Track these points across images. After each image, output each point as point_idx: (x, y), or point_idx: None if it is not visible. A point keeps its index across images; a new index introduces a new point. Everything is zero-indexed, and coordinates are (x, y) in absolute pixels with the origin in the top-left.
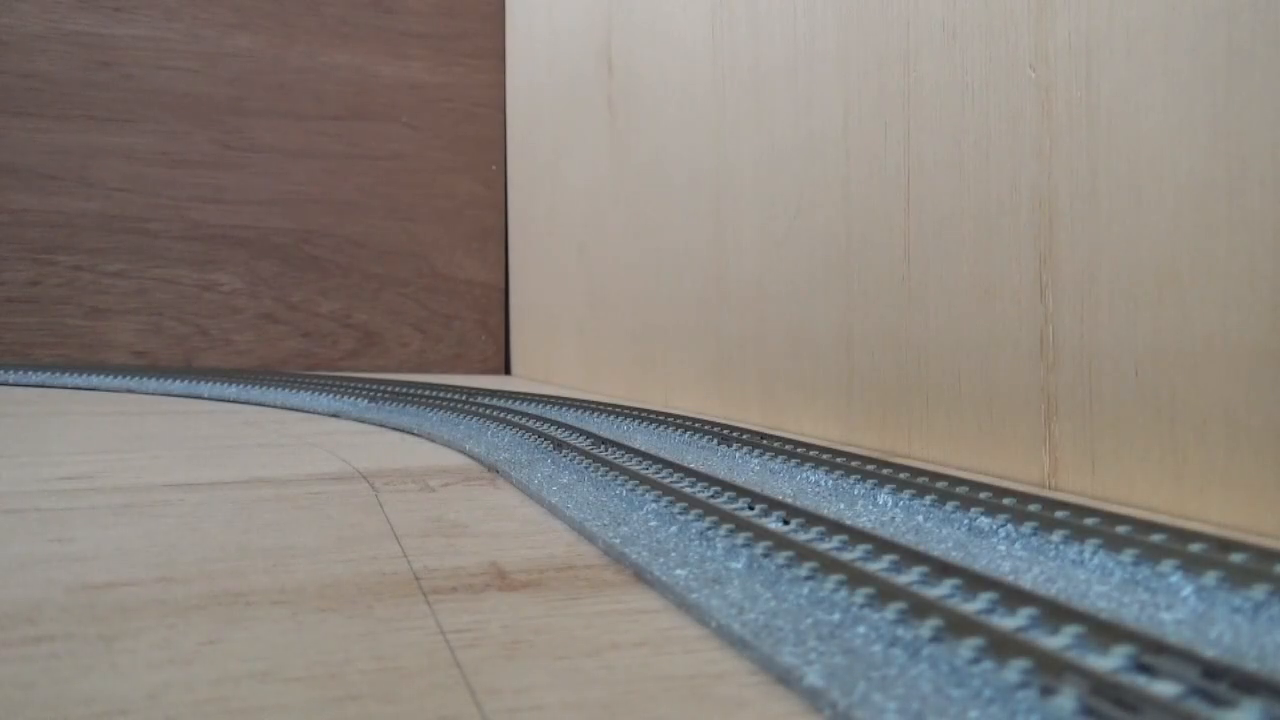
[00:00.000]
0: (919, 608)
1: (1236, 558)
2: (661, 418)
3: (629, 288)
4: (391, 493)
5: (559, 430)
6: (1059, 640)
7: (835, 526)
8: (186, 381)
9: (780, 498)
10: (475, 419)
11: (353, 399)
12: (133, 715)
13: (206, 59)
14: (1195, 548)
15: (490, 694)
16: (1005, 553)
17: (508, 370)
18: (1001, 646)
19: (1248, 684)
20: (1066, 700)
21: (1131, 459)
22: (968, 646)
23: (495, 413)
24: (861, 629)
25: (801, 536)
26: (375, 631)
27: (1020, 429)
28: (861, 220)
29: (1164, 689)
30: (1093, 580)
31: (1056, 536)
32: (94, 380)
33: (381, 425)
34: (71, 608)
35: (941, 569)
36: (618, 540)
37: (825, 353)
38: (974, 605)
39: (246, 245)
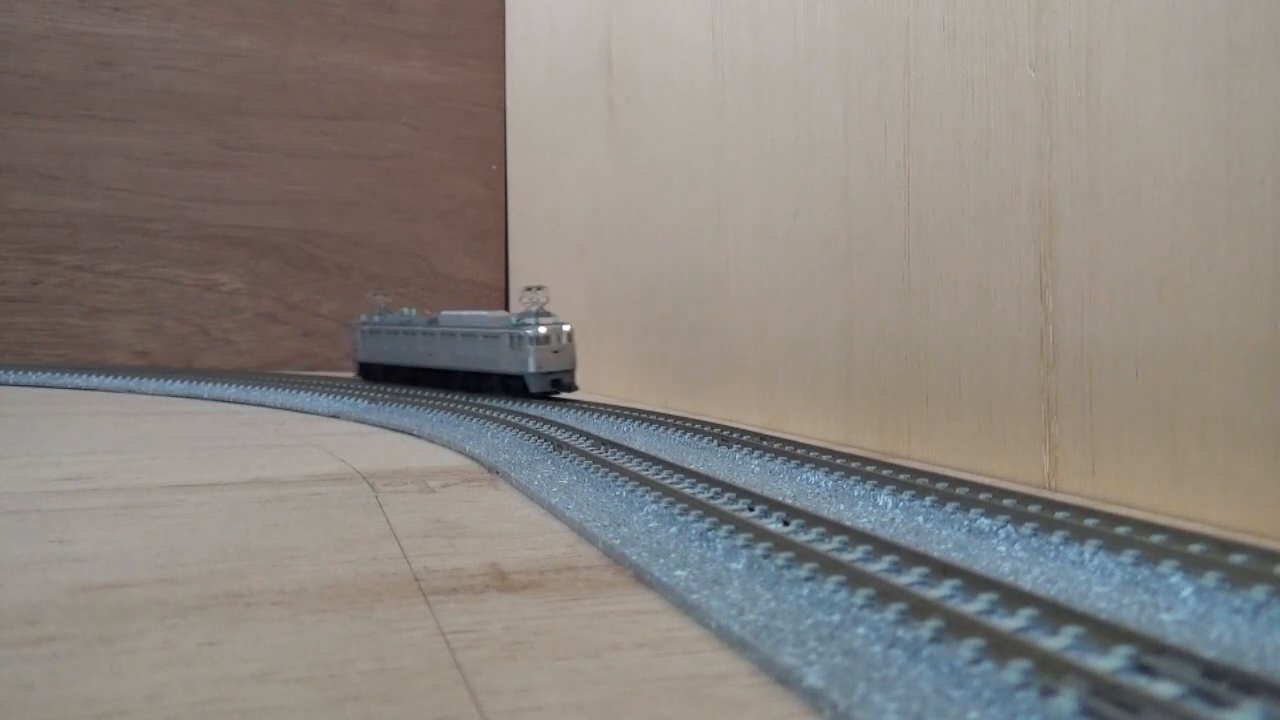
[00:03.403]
0: (919, 608)
1: (1236, 559)
2: (661, 418)
3: (629, 288)
4: (391, 494)
5: (559, 431)
6: (1059, 641)
7: (835, 527)
8: (186, 381)
9: (780, 499)
10: (475, 420)
11: (353, 399)
12: (133, 716)
13: (206, 59)
14: (1195, 549)
15: (490, 694)
16: (1005, 554)
17: None
18: (1002, 647)
19: (1248, 685)
20: (1066, 701)
21: (1131, 459)
22: (968, 647)
23: (495, 414)
24: (861, 630)
25: (802, 538)
26: (375, 632)
27: (1020, 429)
28: (861, 220)
29: (1164, 690)
30: (1093, 581)
31: (1056, 537)
32: (94, 380)
33: (381, 426)
34: (72, 609)
35: (942, 570)
36: (618, 541)
37: (825, 353)
38: (974, 606)
39: (246, 245)
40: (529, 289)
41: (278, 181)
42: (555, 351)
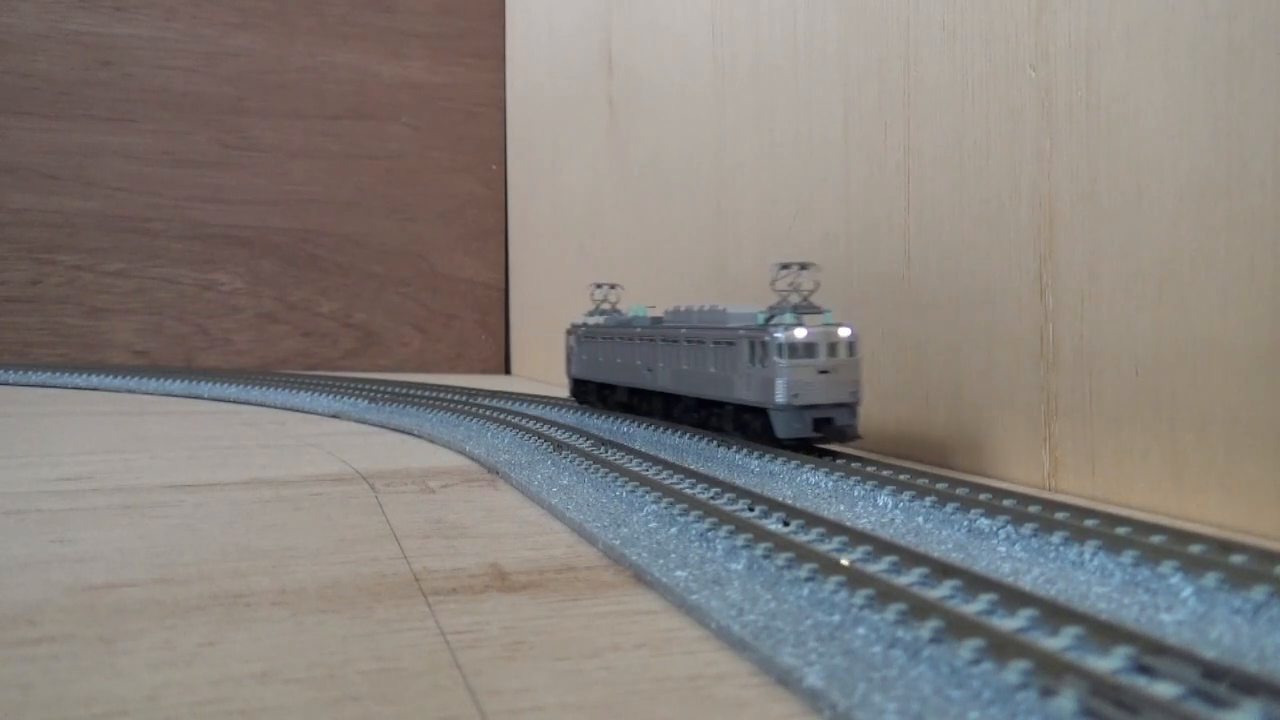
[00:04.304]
0: (919, 609)
1: (1236, 559)
2: (661, 418)
3: (629, 286)
4: (391, 494)
5: (559, 431)
6: (1059, 641)
7: (835, 528)
8: (186, 381)
9: (780, 499)
10: (475, 420)
11: (353, 399)
12: (132, 716)
13: (207, 58)
14: (1195, 549)
15: (491, 695)
16: (1005, 554)
17: (508, 370)
18: (1002, 648)
19: (1248, 685)
20: (1066, 701)
21: (1131, 459)
22: (968, 648)
23: (495, 414)
24: (861, 630)
25: (802, 538)
26: (375, 632)
27: (1020, 429)
28: (861, 220)
29: (1164, 690)
30: (1093, 581)
31: (1056, 538)
32: (94, 380)
33: (382, 426)
34: (71, 609)
35: (942, 570)
36: (618, 541)
37: None
38: (974, 606)
39: (246, 245)
40: (785, 266)
41: (278, 181)
42: (824, 372)
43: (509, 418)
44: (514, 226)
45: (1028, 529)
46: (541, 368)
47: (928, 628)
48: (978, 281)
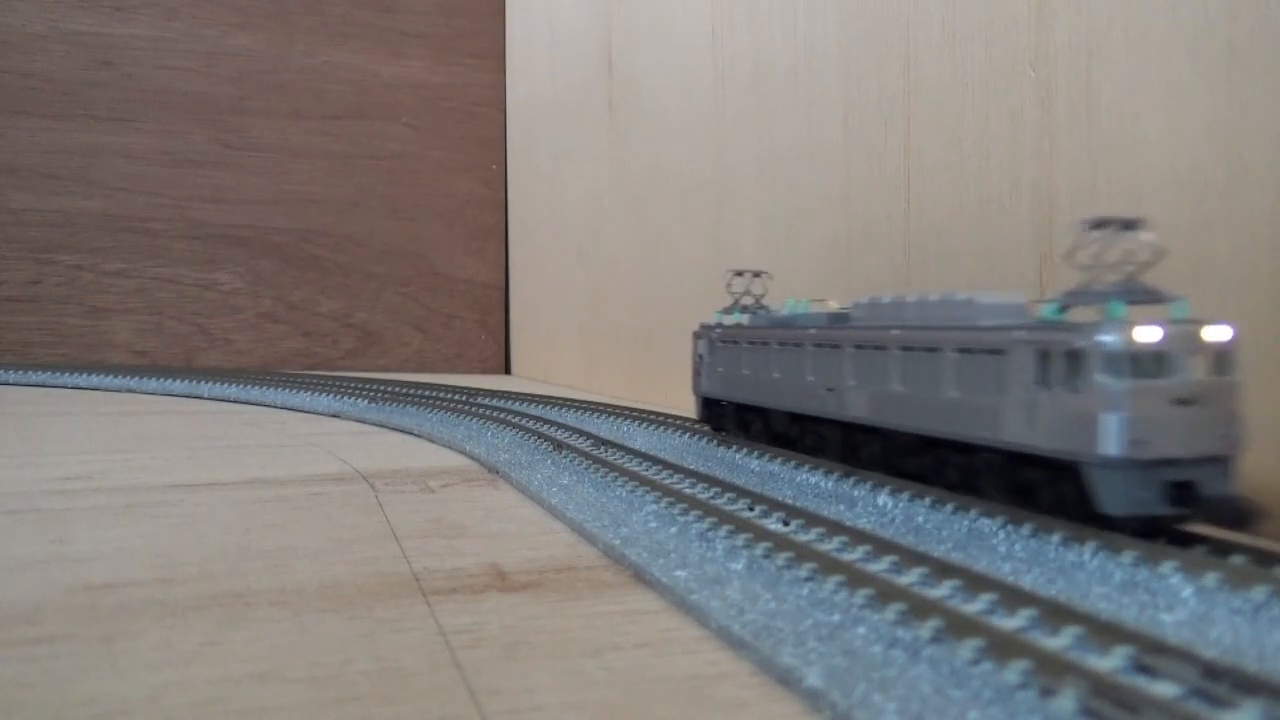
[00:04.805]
0: (919, 609)
1: (1236, 560)
2: (661, 418)
3: (629, 287)
4: (391, 493)
5: (559, 431)
6: (1059, 641)
7: (835, 528)
8: (187, 381)
9: (780, 499)
10: (475, 420)
11: (353, 399)
12: (133, 716)
13: (207, 58)
14: (1195, 550)
15: (490, 695)
16: (1005, 554)
17: (508, 370)
18: (1001, 647)
19: (1248, 685)
20: (1067, 701)
21: None
22: (968, 647)
23: (495, 413)
24: (861, 630)
25: (802, 538)
26: (375, 632)
27: None
28: (861, 220)
29: (1164, 690)
30: (1093, 582)
31: (1056, 538)
32: (94, 380)
33: (382, 426)
34: (72, 608)
35: (941, 570)
36: (618, 541)
37: None
38: (974, 606)
39: (246, 245)
40: (1098, 226)
41: (278, 181)
42: (1184, 401)
43: (509, 418)
44: (514, 226)
45: (1027, 529)
46: (541, 368)
47: (928, 627)
48: (978, 281)
